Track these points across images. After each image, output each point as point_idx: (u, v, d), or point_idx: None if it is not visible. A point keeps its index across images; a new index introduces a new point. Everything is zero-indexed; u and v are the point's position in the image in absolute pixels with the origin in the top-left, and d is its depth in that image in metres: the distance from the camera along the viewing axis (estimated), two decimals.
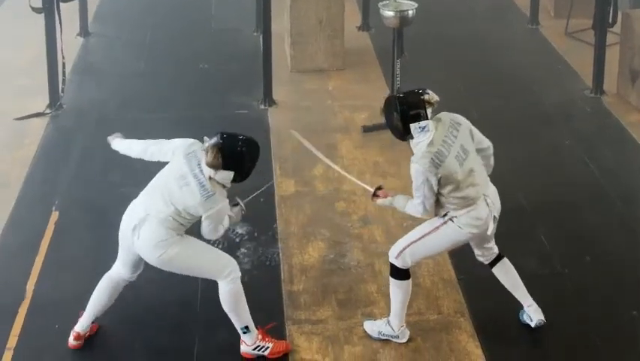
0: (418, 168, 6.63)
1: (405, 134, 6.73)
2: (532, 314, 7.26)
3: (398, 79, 10.50)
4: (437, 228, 6.90)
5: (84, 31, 13.57)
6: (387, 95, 10.80)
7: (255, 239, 8.49)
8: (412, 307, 7.47)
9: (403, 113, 6.67)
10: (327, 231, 8.61)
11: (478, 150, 6.93)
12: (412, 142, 6.73)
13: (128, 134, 10.45)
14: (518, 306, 7.43)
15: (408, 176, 6.76)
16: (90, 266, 8.03)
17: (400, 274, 7.02)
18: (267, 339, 7.03)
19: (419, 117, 6.65)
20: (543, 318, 7.22)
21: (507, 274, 7.27)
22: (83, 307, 7.21)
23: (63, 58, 11.18)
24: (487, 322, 7.37)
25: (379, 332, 7.22)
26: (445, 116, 6.83)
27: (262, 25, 11.43)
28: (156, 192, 6.78)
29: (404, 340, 7.18)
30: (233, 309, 6.90)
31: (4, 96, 11.61)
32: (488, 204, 6.87)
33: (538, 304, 7.38)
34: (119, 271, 7.07)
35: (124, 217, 6.93)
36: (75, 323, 7.18)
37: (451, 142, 6.69)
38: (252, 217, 8.11)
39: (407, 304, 7.15)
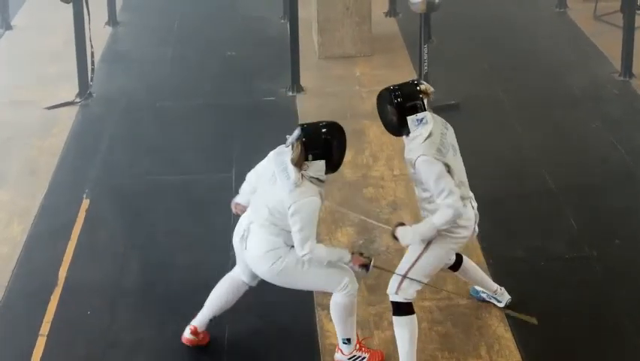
0: (429, 159, 6.14)
1: (400, 129, 6.29)
2: (500, 297, 7.14)
3: (426, 64, 10.49)
4: (428, 245, 6.44)
5: (112, 21, 13.64)
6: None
7: None
8: (442, 293, 7.47)
9: (399, 106, 6.23)
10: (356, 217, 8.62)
11: None
12: (408, 137, 6.29)
13: (156, 121, 10.62)
14: (547, 290, 7.45)
15: None
16: (121, 253, 8.10)
17: (402, 309, 6.53)
18: (363, 349, 6.89)
19: (416, 109, 6.22)
20: (509, 297, 7.16)
21: (470, 272, 7.02)
22: (114, 294, 7.27)
23: (92, 47, 11.24)
24: (516, 306, 7.35)
25: None
26: (432, 114, 6.36)
27: (289, 12, 11.44)
28: (257, 200, 6.58)
29: None
30: (342, 321, 6.74)
31: (32, 84, 11.68)
32: (474, 207, 6.49)
33: (565, 287, 7.42)
34: (240, 274, 6.88)
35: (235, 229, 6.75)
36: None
37: (446, 137, 6.32)
38: None
39: (417, 342, 6.58)
